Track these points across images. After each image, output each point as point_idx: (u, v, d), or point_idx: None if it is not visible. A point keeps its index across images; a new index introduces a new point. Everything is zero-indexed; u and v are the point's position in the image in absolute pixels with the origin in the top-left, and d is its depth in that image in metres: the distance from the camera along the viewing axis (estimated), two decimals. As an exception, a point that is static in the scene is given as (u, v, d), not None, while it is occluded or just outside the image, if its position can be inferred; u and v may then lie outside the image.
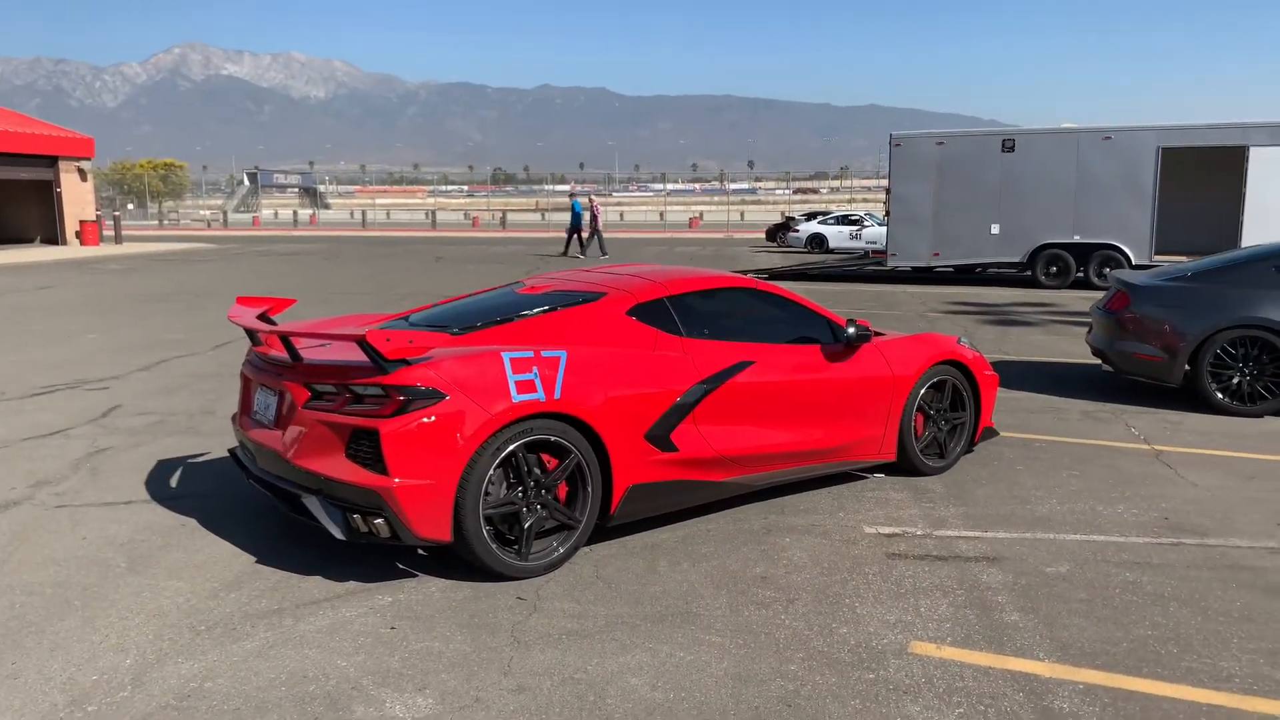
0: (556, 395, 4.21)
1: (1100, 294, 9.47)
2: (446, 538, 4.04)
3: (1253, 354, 7.51)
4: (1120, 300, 8.17)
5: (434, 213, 69.53)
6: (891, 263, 20.33)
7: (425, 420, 3.95)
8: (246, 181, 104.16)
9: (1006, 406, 7.71)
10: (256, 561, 4.44)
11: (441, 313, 5.24)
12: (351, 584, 4.18)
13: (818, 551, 4.60)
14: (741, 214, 73.81)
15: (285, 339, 4.39)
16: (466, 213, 79.37)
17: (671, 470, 4.66)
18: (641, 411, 4.52)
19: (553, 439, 4.23)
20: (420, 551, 4.50)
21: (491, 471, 4.07)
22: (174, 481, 5.74)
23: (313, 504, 4.11)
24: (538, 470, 4.24)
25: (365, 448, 4.01)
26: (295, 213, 74.10)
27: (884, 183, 24.35)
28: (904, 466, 5.78)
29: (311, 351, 4.55)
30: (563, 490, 4.37)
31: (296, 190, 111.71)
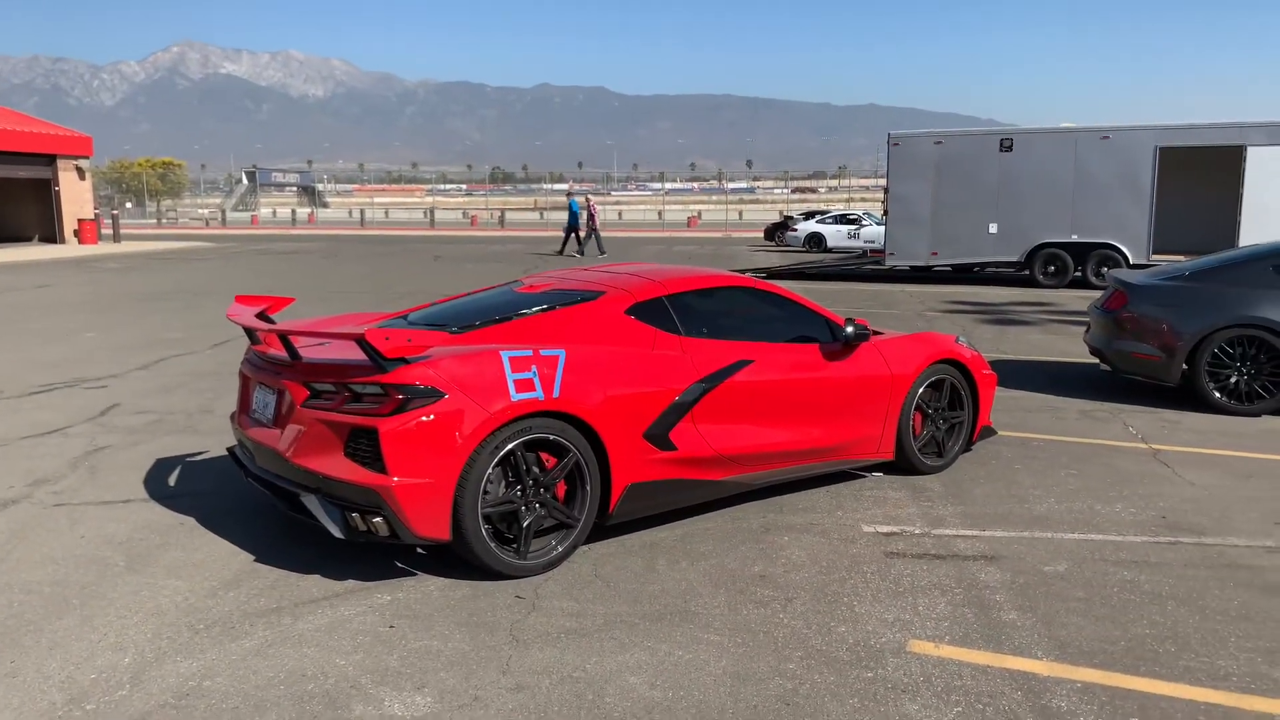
0: (555, 394, 4.21)
1: (1098, 293, 9.47)
2: (445, 536, 4.04)
3: (1250, 353, 7.52)
4: (1118, 299, 8.18)
5: (432, 212, 69.48)
6: (890, 262, 20.35)
7: (424, 419, 3.95)
8: (245, 180, 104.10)
9: (1004, 405, 7.72)
10: (255, 560, 4.44)
11: (440, 311, 5.24)
12: (350, 582, 4.18)
13: (816, 550, 4.60)
14: (740, 213, 73.81)
15: (284, 337, 4.39)
16: (465, 212, 79.33)
17: (670, 469, 4.67)
18: (640, 410, 4.52)
19: (551, 438, 4.23)
20: (419, 550, 4.51)
21: (490, 470, 4.07)
22: (172, 480, 5.73)
23: (311, 502, 4.11)
24: (536, 469, 4.24)
25: (364, 446, 4.01)
26: (294, 211, 74.03)
27: (882, 182, 24.35)
28: (902, 465, 5.79)
29: (310, 350, 4.55)
30: (561, 489, 4.37)
31: (295, 189, 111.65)
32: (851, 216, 34.18)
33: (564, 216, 31.27)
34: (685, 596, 4.05)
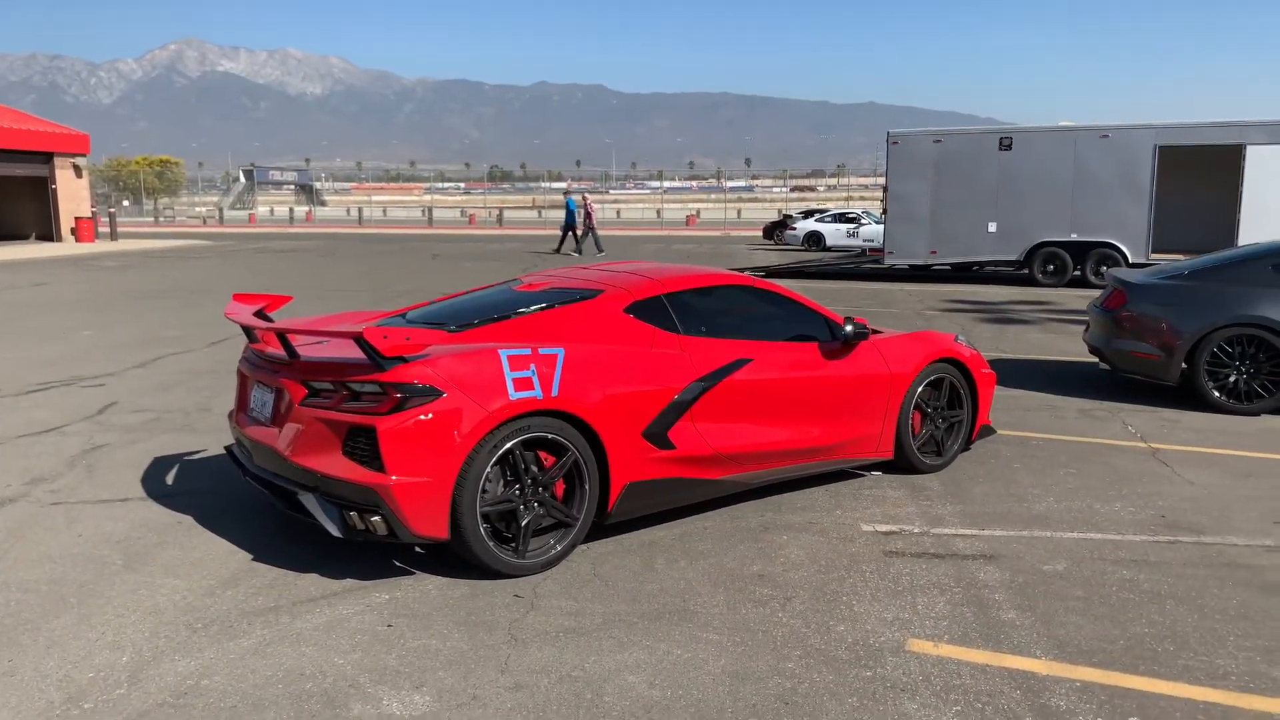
0: (554, 393, 4.21)
1: (1097, 292, 9.48)
2: (444, 535, 4.03)
3: (1249, 352, 7.52)
4: (1117, 298, 8.18)
5: (430, 210, 69.41)
6: (889, 261, 20.34)
7: (422, 417, 3.94)
8: (242, 178, 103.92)
9: (1003, 404, 7.72)
10: (253, 559, 4.44)
11: (439, 310, 5.24)
12: (348, 581, 4.17)
13: (815, 549, 4.60)
14: (739, 212, 73.76)
15: (282, 336, 4.38)
16: (463, 210, 79.19)
17: (669, 468, 4.66)
18: (639, 409, 4.52)
19: (550, 436, 4.22)
20: (417, 549, 4.50)
21: (489, 469, 4.06)
22: (170, 479, 5.72)
23: (309, 501, 4.10)
24: (535, 468, 4.24)
25: (362, 445, 4.00)
26: (291, 210, 73.89)
27: (881, 181, 24.35)
28: (901, 464, 5.79)
29: (308, 349, 4.54)
30: (560, 488, 4.36)
31: (293, 187, 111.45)
32: (850, 215, 34.18)
33: (562, 215, 31.27)
34: (684, 595, 4.05)
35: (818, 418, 5.30)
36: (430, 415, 3.95)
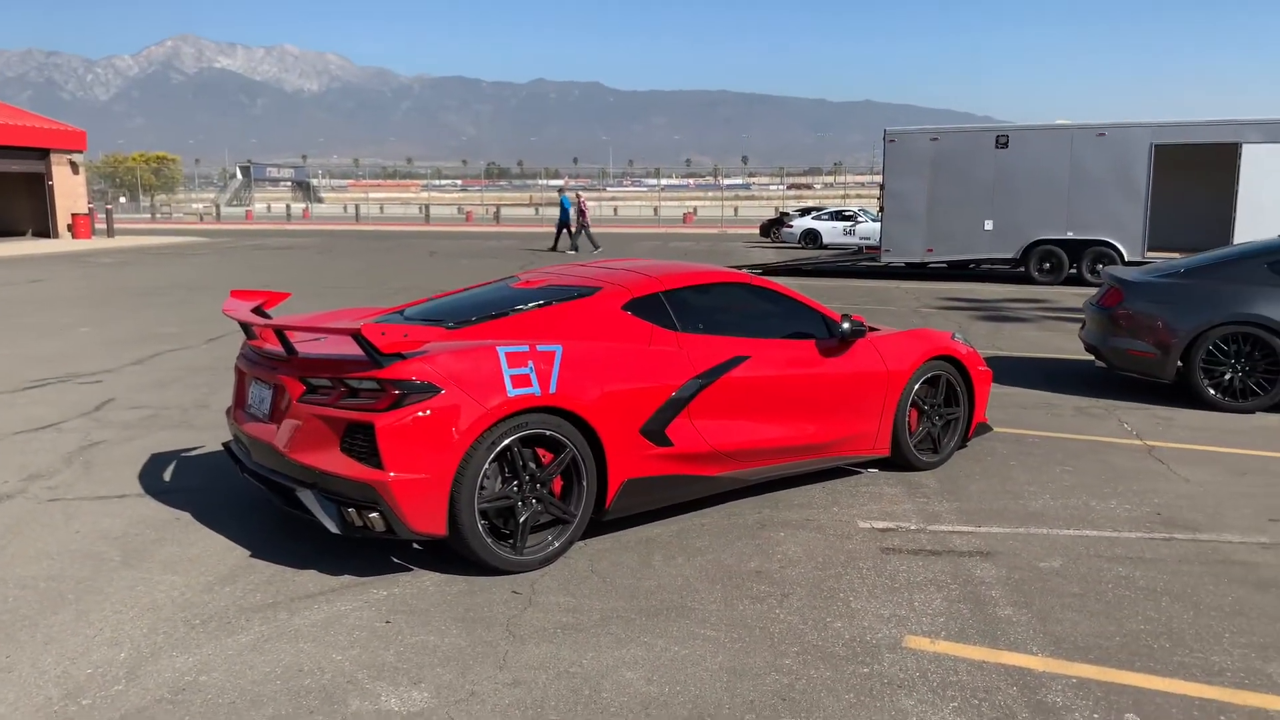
0: (552, 390, 4.21)
1: (1093, 290, 9.49)
2: (441, 532, 4.04)
3: (1245, 350, 7.54)
4: (1113, 296, 8.20)
5: (427, 207, 69.32)
6: (885, 258, 20.36)
7: (420, 414, 3.95)
8: (239, 175, 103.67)
9: (1000, 402, 7.74)
10: (251, 555, 4.44)
11: (436, 307, 5.24)
12: (346, 578, 4.17)
13: (812, 546, 4.61)
14: (735, 209, 73.73)
15: (280, 333, 4.38)
16: (460, 207, 79.09)
17: (666, 465, 4.67)
18: (637, 406, 4.52)
19: (548, 433, 4.23)
20: (415, 545, 4.50)
21: (487, 466, 4.07)
22: (168, 475, 5.72)
23: (307, 498, 4.10)
24: (533, 464, 4.24)
25: (360, 441, 4.01)
26: (288, 206, 73.76)
27: (878, 178, 24.38)
28: (898, 462, 5.80)
29: (306, 345, 4.54)
30: (558, 484, 4.37)
31: (289, 184, 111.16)
32: (847, 213, 34.20)
33: (558, 213, 31.26)
34: (681, 592, 4.06)
35: (815, 415, 5.31)
36: (428, 412, 3.96)
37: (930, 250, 19.76)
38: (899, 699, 3.18)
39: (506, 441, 4.10)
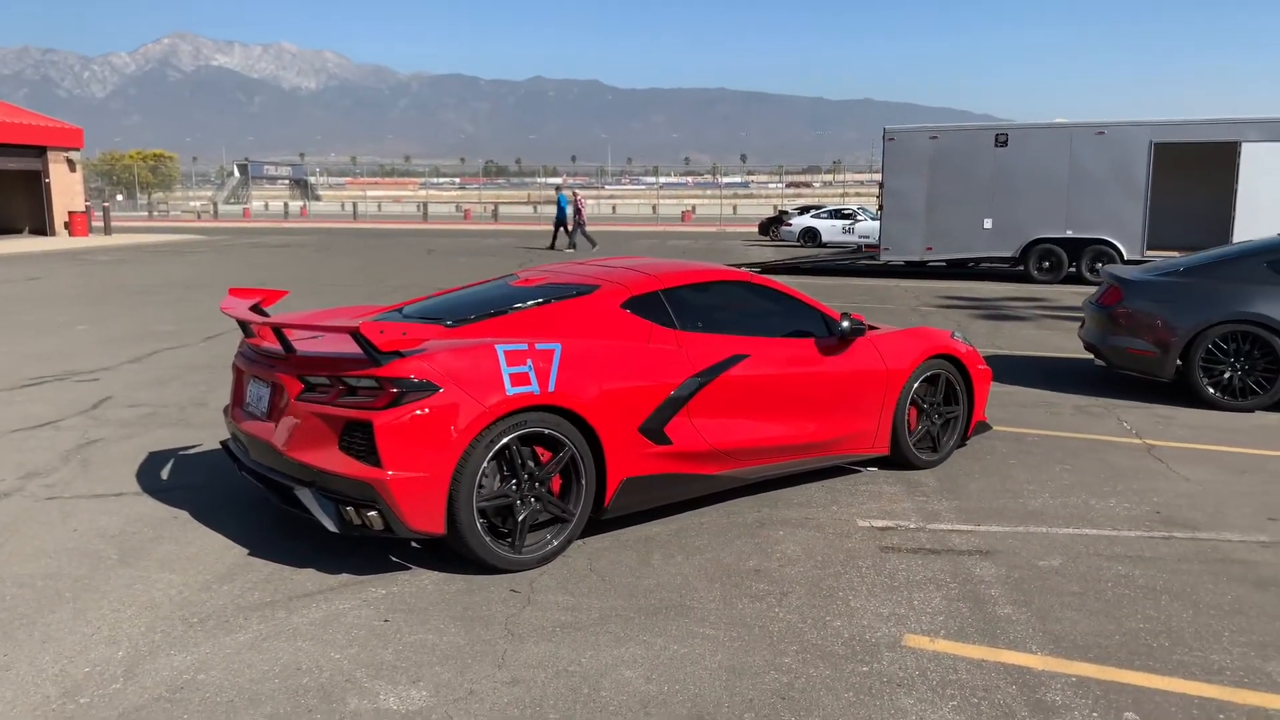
0: (551, 388, 4.20)
1: (1092, 289, 9.49)
2: (440, 530, 4.03)
3: (1244, 349, 7.54)
4: (1113, 295, 8.19)
5: (425, 205, 69.28)
6: (884, 257, 20.36)
7: (419, 412, 3.94)
8: (237, 173, 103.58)
9: (999, 401, 7.73)
10: (249, 554, 4.43)
11: (435, 305, 5.23)
12: (344, 576, 4.17)
13: (811, 545, 4.60)
14: (734, 208, 73.71)
15: (278, 330, 4.37)
16: (458, 205, 79.01)
17: (665, 463, 4.66)
18: (635, 404, 4.52)
19: (547, 432, 4.22)
20: (413, 544, 4.50)
21: (485, 464, 4.06)
22: (165, 473, 5.71)
23: (305, 496, 4.09)
24: (532, 463, 4.23)
25: (359, 440, 4.00)
26: (286, 204, 73.68)
27: (877, 177, 24.38)
28: (897, 460, 5.79)
29: (304, 343, 4.53)
30: (556, 483, 4.36)
31: (287, 182, 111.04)
32: (846, 211, 34.21)
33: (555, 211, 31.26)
34: (680, 591, 4.05)
35: (814, 413, 5.30)
36: (426, 410, 3.95)
37: (929, 249, 19.76)
38: (898, 698, 3.18)
39: (505, 440, 4.09)
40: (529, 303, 4.83)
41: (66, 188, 33.91)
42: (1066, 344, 10.88)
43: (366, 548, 4.46)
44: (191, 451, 6.19)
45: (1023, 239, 19.06)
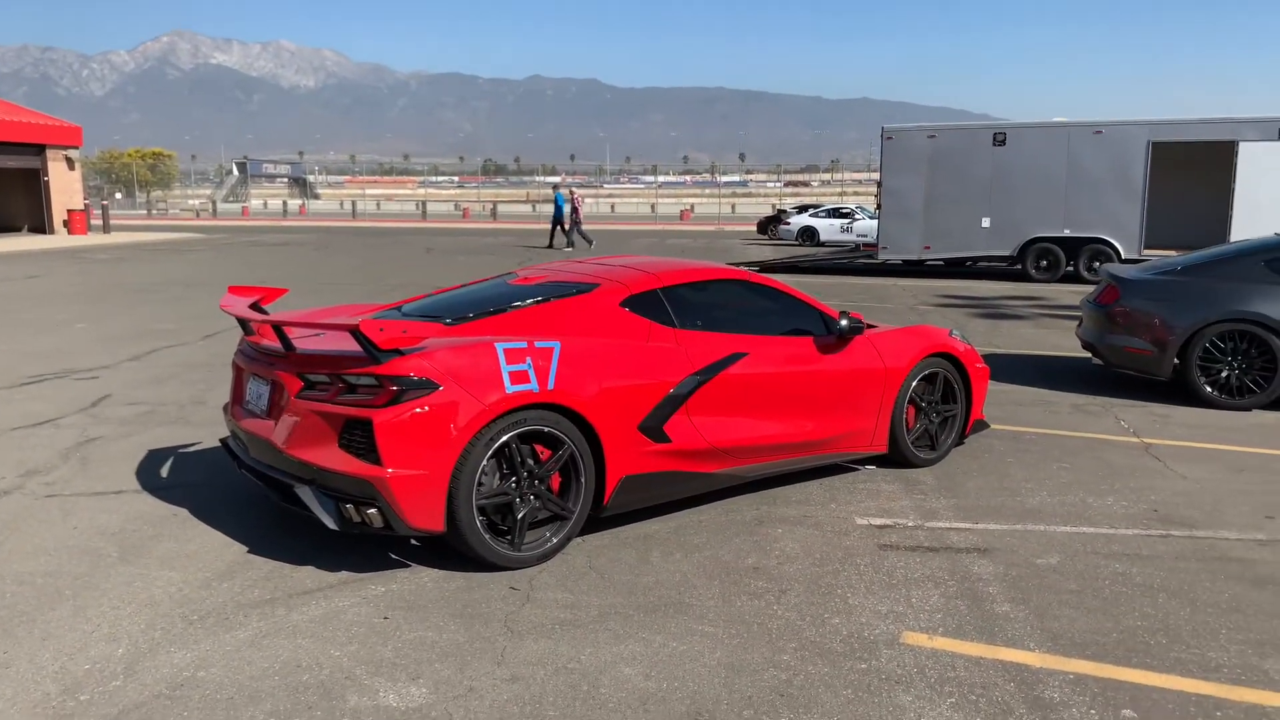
0: (550, 386, 4.21)
1: (1090, 288, 9.51)
2: (440, 528, 4.04)
3: (1241, 348, 7.55)
4: (1110, 294, 8.21)
5: (424, 204, 69.26)
6: (882, 256, 20.38)
7: (419, 410, 3.94)
8: (235, 171, 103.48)
9: (997, 399, 7.75)
10: (249, 551, 4.44)
11: (434, 303, 5.23)
12: (344, 574, 4.17)
13: (810, 542, 4.61)
14: (733, 206, 73.74)
15: (278, 328, 4.37)
16: (457, 204, 78.98)
17: (664, 461, 4.67)
18: (635, 403, 4.52)
19: (546, 430, 4.23)
20: (413, 542, 4.50)
21: (485, 462, 4.07)
22: (165, 471, 5.72)
23: (305, 494, 4.10)
24: (531, 461, 4.24)
25: (358, 438, 4.00)
26: (285, 203, 73.60)
27: (875, 176, 24.39)
28: (895, 458, 5.80)
29: (304, 341, 4.53)
30: (556, 481, 4.37)
31: (286, 180, 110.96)
32: (844, 210, 34.23)
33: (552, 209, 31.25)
34: (679, 588, 4.06)
35: (813, 412, 5.31)
36: (426, 408, 3.95)
37: (927, 248, 19.77)
38: (897, 695, 3.19)
39: (505, 438, 4.10)
40: (528, 301, 4.84)
41: (65, 186, 33.88)
42: (1064, 343, 10.89)
43: (366, 545, 4.47)
44: (191, 449, 6.20)
45: (1020, 238, 19.08)
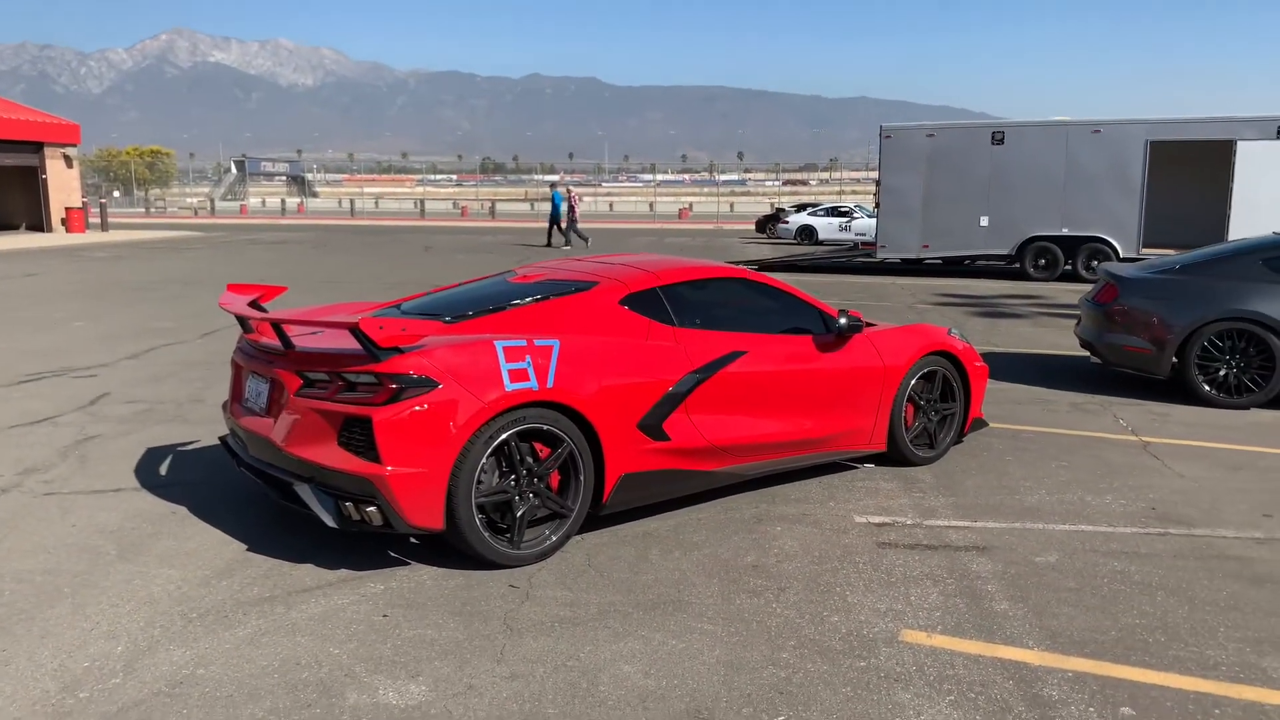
0: (549, 384, 4.21)
1: (1088, 286, 9.52)
2: (439, 526, 4.04)
3: (1240, 346, 7.56)
4: (1109, 293, 8.21)
5: (422, 202, 69.23)
6: (881, 254, 20.38)
7: (418, 408, 3.95)
8: (234, 169, 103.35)
9: (995, 398, 7.75)
10: (248, 549, 4.44)
11: (434, 301, 5.23)
12: (343, 572, 4.17)
13: (809, 540, 4.62)
14: (731, 205, 73.74)
15: (277, 326, 4.37)
16: (455, 202, 78.95)
17: (663, 459, 4.67)
18: (634, 401, 4.53)
19: (545, 428, 4.23)
20: (412, 539, 4.50)
21: (484, 460, 4.07)
22: (164, 469, 5.71)
23: (304, 492, 4.10)
24: (530, 459, 4.24)
25: (358, 435, 4.00)
26: (283, 201, 73.58)
27: (874, 174, 24.40)
28: (894, 457, 5.81)
29: (303, 339, 4.53)
30: (555, 479, 4.37)
31: (284, 178, 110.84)
32: (843, 209, 34.25)
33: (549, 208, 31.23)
34: (678, 586, 4.06)
35: (811, 410, 5.31)
36: (426, 406, 3.95)
37: (926, 246, 19.78)
38: (895, 692, 3.19)
39: (504, 436, 4.10)
40: (527, 299, 4.84)
41: (63, 184, 33.84)
42: (1063, 341, 10.90)
43: (365, 543, 4.47)
44: (190, 447, 6.20)
45: (1019, 237, 19.09)
